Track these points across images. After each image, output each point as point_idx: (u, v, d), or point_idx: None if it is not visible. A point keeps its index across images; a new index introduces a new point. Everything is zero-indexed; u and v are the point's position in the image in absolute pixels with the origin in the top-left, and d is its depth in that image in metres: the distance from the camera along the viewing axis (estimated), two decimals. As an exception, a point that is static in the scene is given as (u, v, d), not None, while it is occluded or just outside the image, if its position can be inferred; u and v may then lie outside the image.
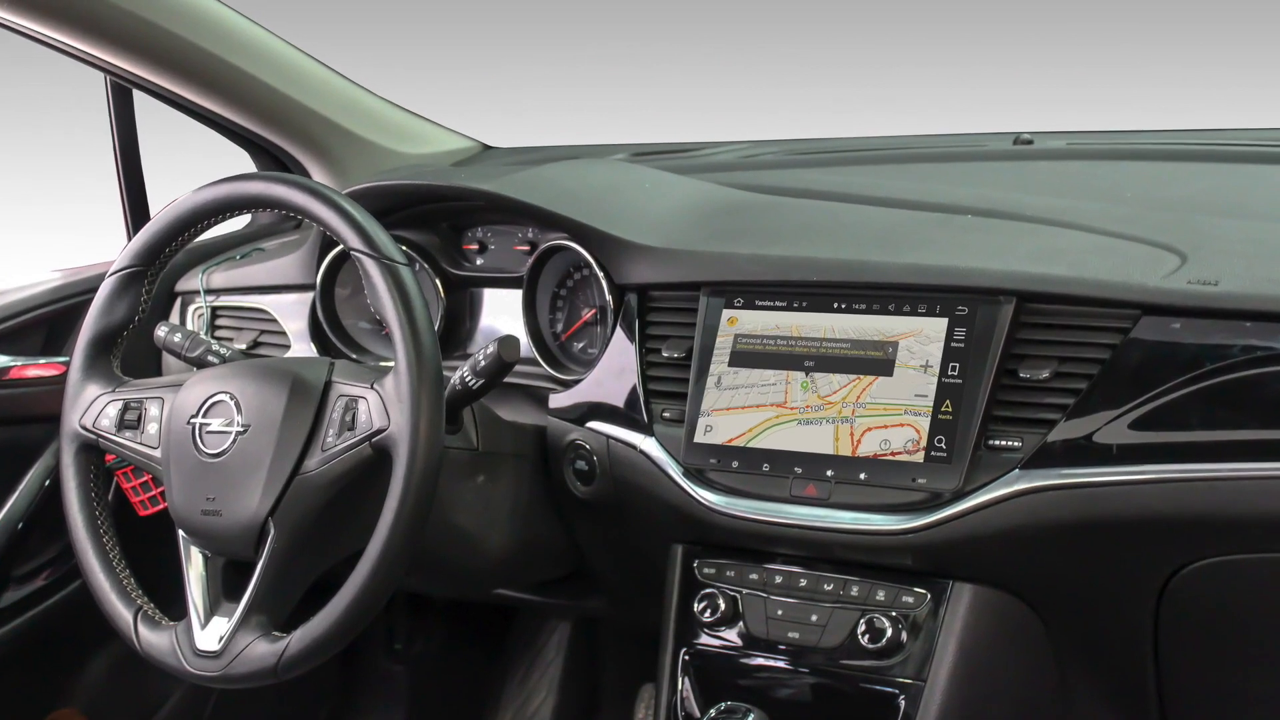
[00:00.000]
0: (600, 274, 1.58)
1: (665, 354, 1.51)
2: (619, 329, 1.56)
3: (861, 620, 1.38)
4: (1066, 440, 1.28)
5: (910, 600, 1.38)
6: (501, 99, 3.17)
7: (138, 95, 2.00)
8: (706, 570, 1.48)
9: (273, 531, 1.36)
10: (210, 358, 1.58)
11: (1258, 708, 1.40)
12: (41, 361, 1.91)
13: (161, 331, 1.63)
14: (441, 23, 3.38)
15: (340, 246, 1.56)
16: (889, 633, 1.36)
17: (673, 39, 3.15)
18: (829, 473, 1.38)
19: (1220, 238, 1.37)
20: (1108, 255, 1.35)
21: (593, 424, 1.55)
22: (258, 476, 1.36)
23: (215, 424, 1.40)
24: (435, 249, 1.80)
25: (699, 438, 1.45)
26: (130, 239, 1.52)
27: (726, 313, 1.47)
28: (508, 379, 1.45)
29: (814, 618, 1.41)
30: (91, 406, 1.49)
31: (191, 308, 1.97)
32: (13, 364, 1.89)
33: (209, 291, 1.95)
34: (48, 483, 1.91)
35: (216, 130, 2.07)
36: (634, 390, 1.52)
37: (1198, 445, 1.24)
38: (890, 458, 1.35)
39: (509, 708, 2.23)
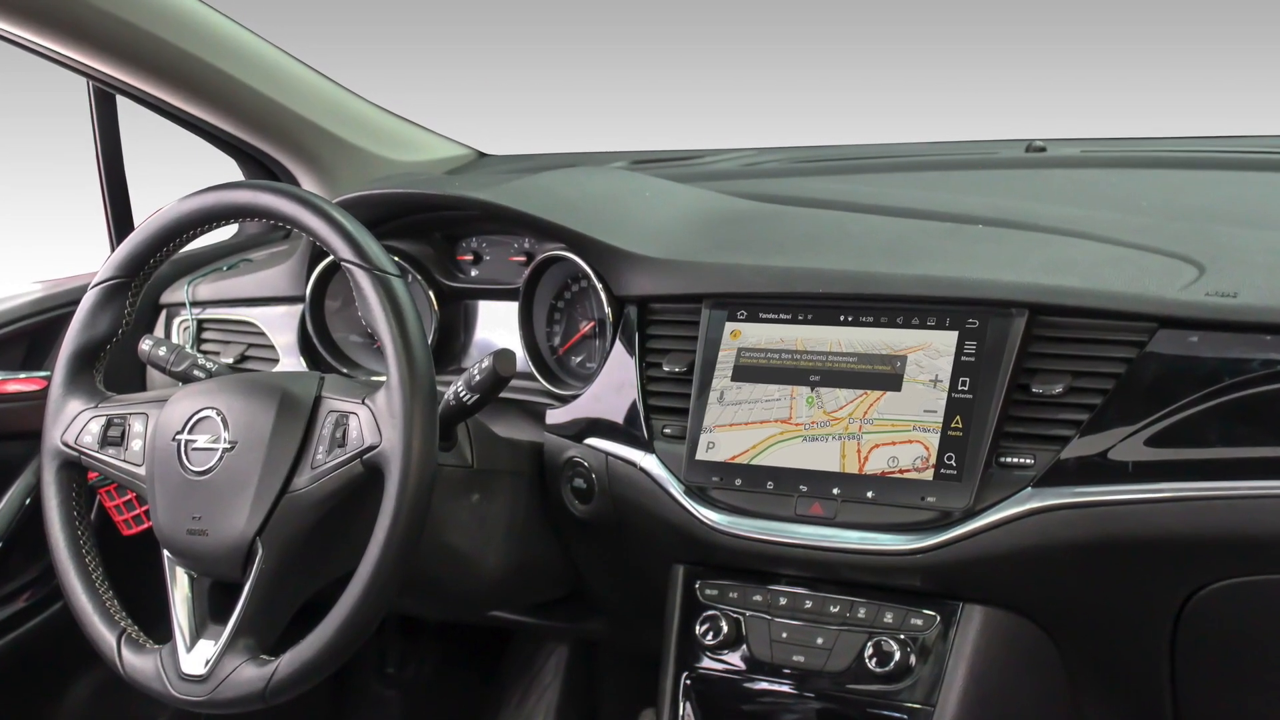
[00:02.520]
0: (599, 285, 1.57)
1: (666, 368, 1.50)
2: (618, 342, 1.55)
3: (869, 643, 1.37)
4: (1080, 457, 1.27)
5: (919, 622, 1.37)
6: (497, 105, 3.16)
7: (121, 101, 2.00)
8: (709, 591, 1.47)
9: (261, 552, 1.34)
10: (196, 372, 1.57)
11: (1278, 734, 1.39)
12: (22, 376, 1.91)
13: (146, 345, 1.61)
14: (435, 26, 3.38)
15: (330, 257, 1.56)
16: (897, 656, 1.35)
17: (673, 42, 3.15)
18: (835, 491, 1.37)
19: (1239, 248, 1.37)
20: (1123, 266, 1.34)
21: (591, 440, 1.54)
22: (245, 495, 1.35)
23: (201, 441, 1.39)
24: (428, 260, 1.79)
25: (701, 455, 1.43)
26: (113, 249, 1.52)
27: (729, 325, 1.46)
28: (503, 394, 1.44)
29: (820, 641, 1.40)
30: (74, 423, 1.47)
31: (177, 320, 1.96)
32: (-7, 378, 1.89)
33: (195, 304, 1.94)
34: (28, 501, 1.90)
35: (202, 137, 2.07)
36: (634, 406, 1.50)
37: (1216, 463, 1.23)
38: (898, 475, 1.34)
39: (504, 733, 2.21)
